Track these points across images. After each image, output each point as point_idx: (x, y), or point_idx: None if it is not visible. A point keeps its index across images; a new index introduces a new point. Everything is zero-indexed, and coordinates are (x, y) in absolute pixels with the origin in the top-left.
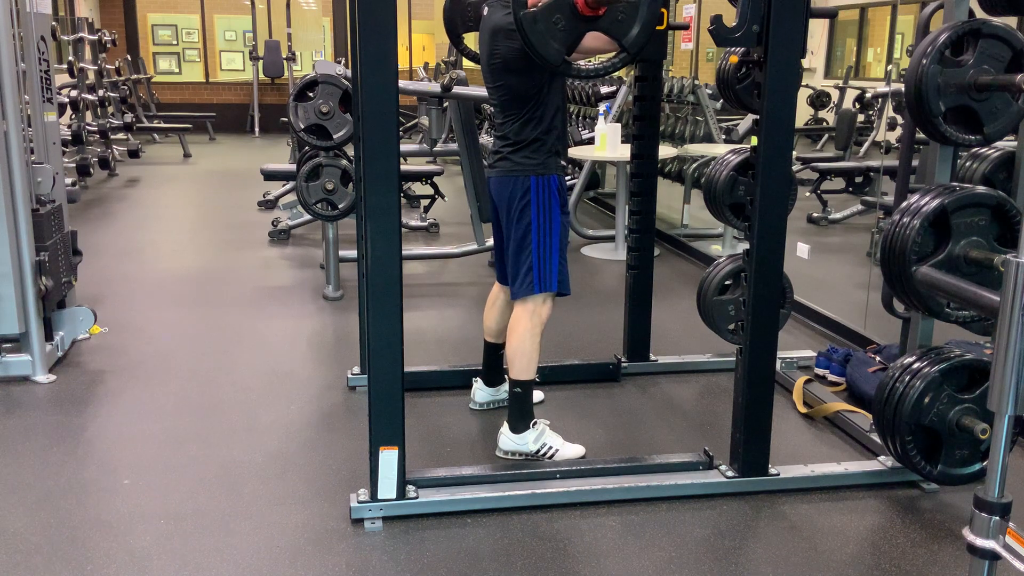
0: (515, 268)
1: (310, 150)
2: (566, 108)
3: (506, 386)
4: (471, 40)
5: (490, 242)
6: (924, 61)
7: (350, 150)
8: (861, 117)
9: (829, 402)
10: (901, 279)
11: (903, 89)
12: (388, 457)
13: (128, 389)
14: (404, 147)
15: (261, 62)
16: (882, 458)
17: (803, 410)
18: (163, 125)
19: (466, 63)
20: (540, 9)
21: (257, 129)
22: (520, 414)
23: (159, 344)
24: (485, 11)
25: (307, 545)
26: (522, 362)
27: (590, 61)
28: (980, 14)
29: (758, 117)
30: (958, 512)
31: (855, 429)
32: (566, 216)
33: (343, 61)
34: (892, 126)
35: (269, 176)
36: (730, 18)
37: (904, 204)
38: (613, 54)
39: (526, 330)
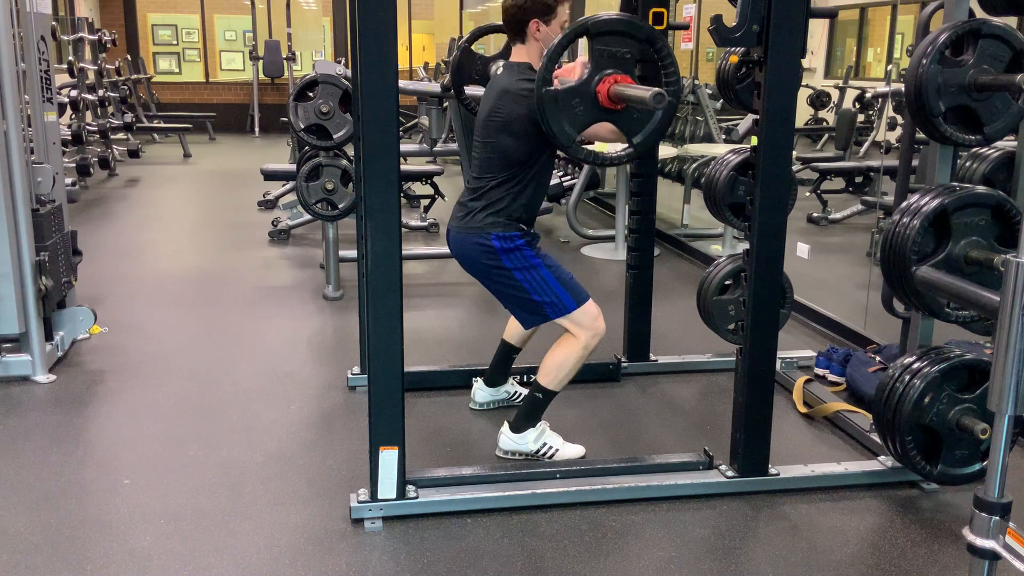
0: (519, 311)
1: (310, 150)
2: (547, 185)
3: (507, 387)
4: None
5: None
6: (924, 61)
7: (350, 150)
8: (861, 117)
9: (829, 402)
10: (901, 279)
11: (903, 89)
12: (388, 457)
13: (128, 389)
14: (404, 147)
15: (261, 62)
16: (882, 458)
17: (803, 410)
18: (163, 125)
19: None
20: (563, 91)
21: (257, 129)
22: (528, 416)
23: (159, 344)
24: (498, 70)
25: (307, 545)
26: (559, 375)
27: (591, 144)
28: (980, 14)
29: (758, 117)
30: (958, 512)
31: (855, 429)
32: (538, 251)
33: (343, 61)
34: (892, 126)
35: (269, 176)
36: (730, 18)
37: (904, 204)
38: (620, 148)
39: (579, 346)
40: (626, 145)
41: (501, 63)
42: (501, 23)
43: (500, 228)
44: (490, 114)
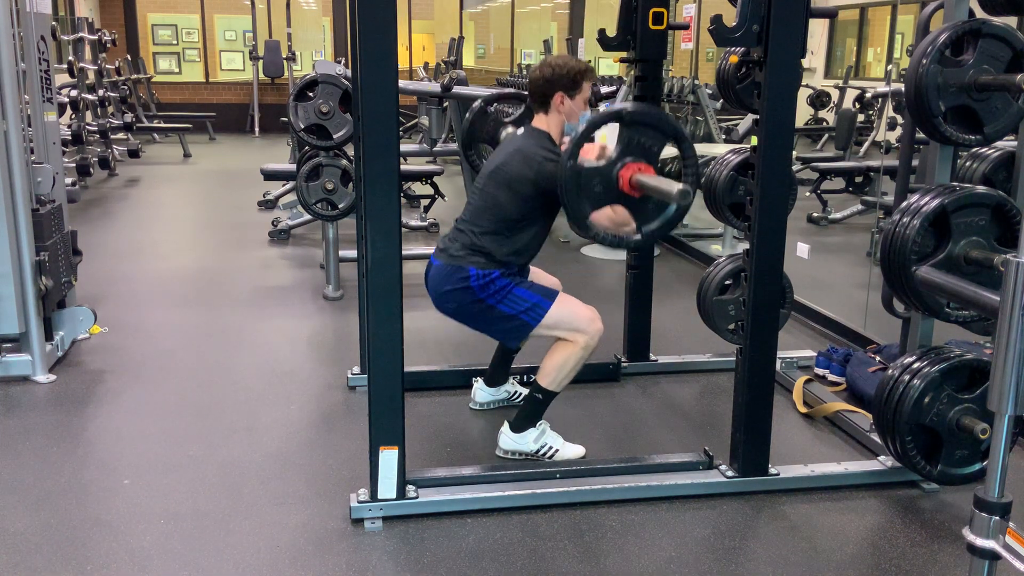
0: (497, 334)
1: (310, 150)
2: (538, 248)
3: (507, 387)
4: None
5: None
6: (924, 61)
7: (350, 150)
8: (861, 117)
9: (829, 402)
10: (901, 279)
11: (903, 89)
12: (388, 457)
13: (128, 389)
14: (404, 147)
15: (261, 62)
16: (882, 458)
17: (803, 410)
18: (163, 125)
19: (466, 62)
20: (586, 169)
21: (257, 129)
22: (529, 417)
23: (159, 344)
24: (518, 131)
25: (307, 545)
26: (558, 376)
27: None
28: (980, 14)
29: (758, 117)
30: (958, 512)
31: (855, 429)
32: (511, 278)
33: (343, 61)
34: (892, 126)
35: (269, 176)
36: (730, 18)
37: (904, 204)
38: (628, 232)
39: (578, 347)
40: (634, 230)
41: (511, 127)
42: (519, 90)
43: (480, 266)
44: (497, 168)
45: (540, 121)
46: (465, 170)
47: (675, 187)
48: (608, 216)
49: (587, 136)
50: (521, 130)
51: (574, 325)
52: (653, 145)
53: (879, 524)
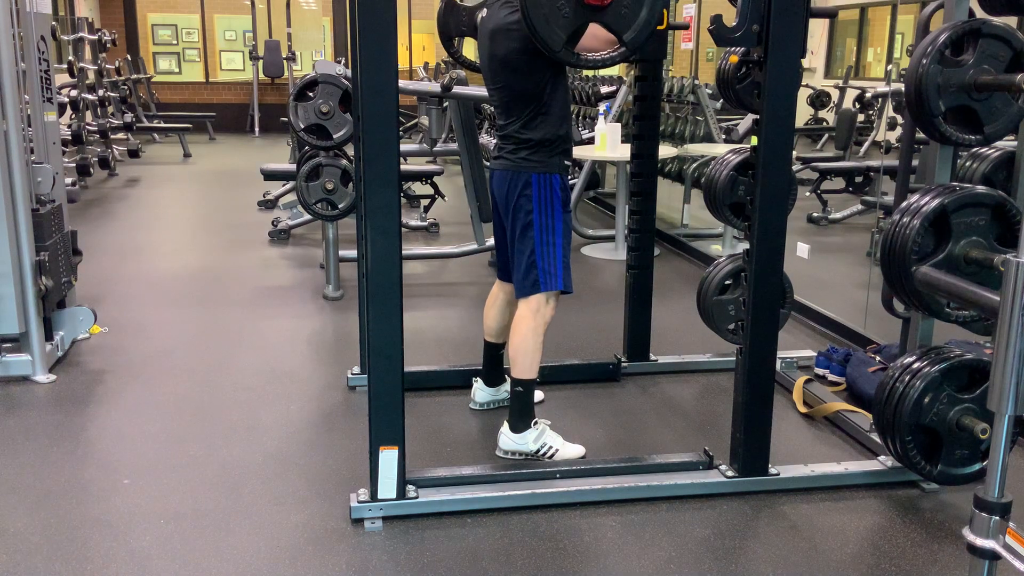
0: (518, 267)
1: (310, 150)
2: (570, 110)
3: (506, 386)
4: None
5: (490, 242)
6: (924, 61)
7: (350, 150)
8: (861, 117)
9: (829, 402)
10: (901, 279)
11: (903, 89)
12: (388, 457)
13: (128, 389)
14: (404, 147)
15: (261, 62)
16: (882, 458)
17: (803, 410)
18: (163, 125)
19: None
20: None
21: (257, 129)
22: (521, 413)
23: (159, 344)
24: (484, 13)
25: (307, 545)
26: (524, 361)
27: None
28: (980, 14)
29: (758, 117)
30: (958, 512)
31: (855, 429)
32: (568, 214)
33: (343, 61)
34: (892, 126)
35: (269, 176)
36: (730, 18)
37: (904, 204)
38: (612, 50)
39: (529, 329)
40: (619, 45)
41: (484, 10)
42: None
43: (540, 168)
44: (490, 59)
45: None
46: (464, 166)
47: None
48: (589, 44)
49: None
50: (484, 11)
51: (539, 306)
52: None
53: (879, 524)
